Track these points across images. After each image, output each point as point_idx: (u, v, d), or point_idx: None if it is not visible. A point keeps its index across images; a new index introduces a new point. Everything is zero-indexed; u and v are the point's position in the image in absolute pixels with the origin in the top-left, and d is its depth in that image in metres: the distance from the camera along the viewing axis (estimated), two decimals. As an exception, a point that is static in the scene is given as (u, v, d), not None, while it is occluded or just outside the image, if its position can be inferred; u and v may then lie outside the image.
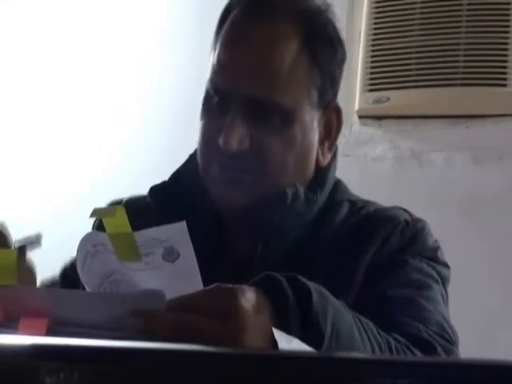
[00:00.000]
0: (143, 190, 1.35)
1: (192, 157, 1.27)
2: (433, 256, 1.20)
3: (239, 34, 1.19)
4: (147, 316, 0.78)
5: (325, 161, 1.25)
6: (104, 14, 2.89)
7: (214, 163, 1.19)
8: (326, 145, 1.25)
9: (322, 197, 1.23)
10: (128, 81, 2.82)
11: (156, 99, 2.76)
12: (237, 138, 1.15)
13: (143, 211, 1.25)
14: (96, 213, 0.83)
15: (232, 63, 1.18)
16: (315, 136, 1.22)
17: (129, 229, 0.82)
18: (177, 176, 1.27)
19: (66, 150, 2.88)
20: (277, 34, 1.18)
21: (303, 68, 1.19)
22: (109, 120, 2.84)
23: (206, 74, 1.21)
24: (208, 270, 1.04)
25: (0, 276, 0.77)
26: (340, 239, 1.20)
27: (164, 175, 1.29)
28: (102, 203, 1.31)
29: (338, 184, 1.28)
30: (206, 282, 0.85)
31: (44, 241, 3.00)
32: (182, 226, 0.82)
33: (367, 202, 1.27)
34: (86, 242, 0.85)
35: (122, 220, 0.81)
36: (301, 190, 1.19)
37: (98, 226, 1.26)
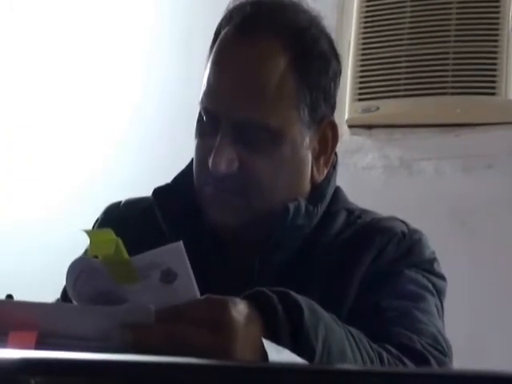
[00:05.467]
0: (134, 191, 1.35)
1: (191, 165, 1.25)
2: (429, 268, 1.20)
3: (225, 54, 1.19)
4: (136, 328, 0.78)
5: (320, 177, 1.23)
6: (95, 24, 2.91)
7: (206, 184, 1.18)
8: (322, 160, 1.23)
9: (322, 208, 1.23)
10: (122, 83, 2.83)
11: (145, 103, 2.77)
12: (225, 160, 1.14)
13: (144, 214, 1.26)
14: (93, 250, 0.83)
15: (218, 85, 1.17)
16: (307, 153, 1.21)
17: (126, 256, 0.81)
18: (178, 181, 1.26)
19: (61, 149, 2.88)
20: (262, 54, 1.17)
21: (290, 86, 1.17)
22: (101, 121, 2.85)
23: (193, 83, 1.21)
24: (207, 282, 1.04)
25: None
26: (336, 249, 1.19)
27: (154, 177, 1.30)
28: (99, 203, 1.32)
29: (336, 192, 1.27)
30: (204, 294, 0.84)
31: (41, 240, 2.97)
32: (179, 246, 0.81)
33: (364, 211, 1.27)
34: (76, 264, 0.85)
35: (119, 251, 0.81)
36: (302, 204, 1.18)
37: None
